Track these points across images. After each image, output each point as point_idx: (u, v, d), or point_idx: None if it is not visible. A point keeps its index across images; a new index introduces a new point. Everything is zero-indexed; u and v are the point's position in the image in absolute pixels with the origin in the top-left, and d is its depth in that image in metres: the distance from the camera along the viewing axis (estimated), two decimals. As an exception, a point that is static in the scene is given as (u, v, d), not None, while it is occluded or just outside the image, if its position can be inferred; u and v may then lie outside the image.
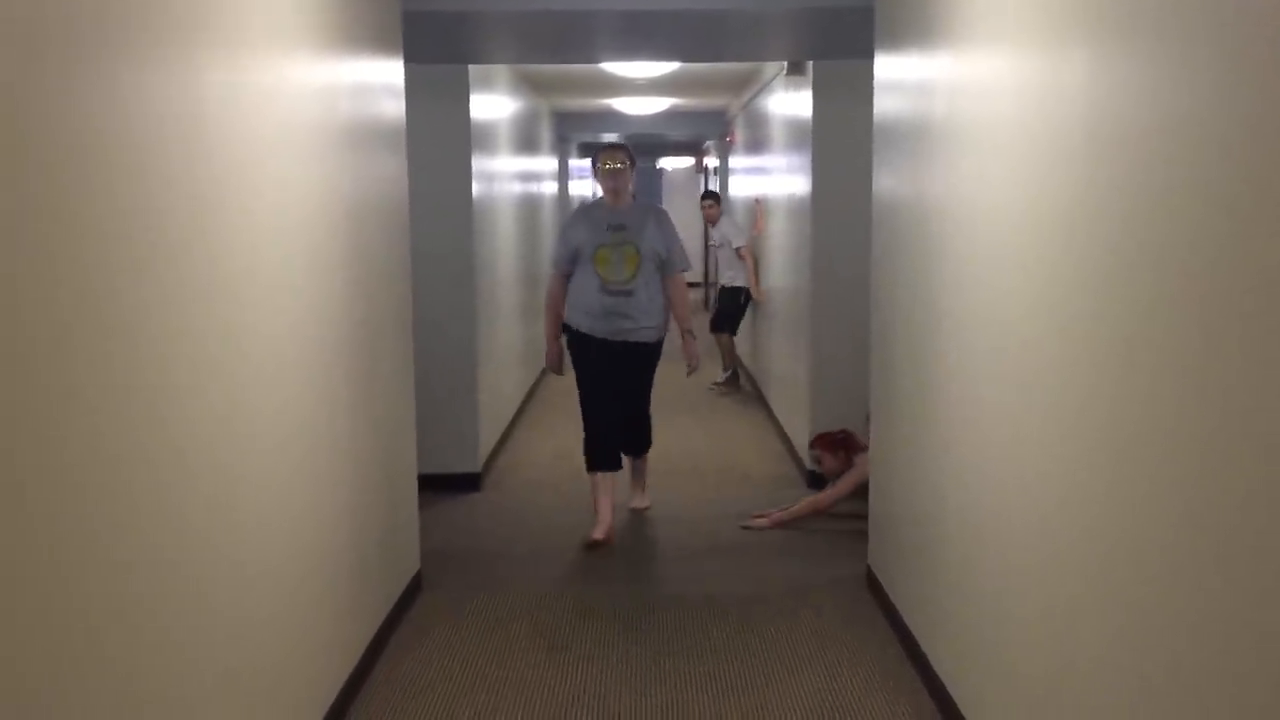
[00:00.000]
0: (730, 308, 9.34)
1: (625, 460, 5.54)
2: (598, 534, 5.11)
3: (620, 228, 5.18)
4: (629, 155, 5.33)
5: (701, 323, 9.36)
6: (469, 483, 6.13)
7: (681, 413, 8.25)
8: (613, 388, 5.28)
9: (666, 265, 5.26)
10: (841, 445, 5.43)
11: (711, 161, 16.45)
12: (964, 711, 3.15)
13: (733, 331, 9.49)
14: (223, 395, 2.39)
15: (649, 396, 5.53)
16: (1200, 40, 1.80)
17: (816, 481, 5.78)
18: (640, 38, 5.41)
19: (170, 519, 2.13)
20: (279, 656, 2.77)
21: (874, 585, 4.38)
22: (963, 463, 3.18)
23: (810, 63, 6.26)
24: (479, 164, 6.35)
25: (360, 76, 3.69)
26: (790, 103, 7.16)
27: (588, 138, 13.35)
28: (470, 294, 6.12)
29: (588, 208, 5.50)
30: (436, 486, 5.73)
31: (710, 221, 9.99)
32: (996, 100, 2.87)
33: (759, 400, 8.88)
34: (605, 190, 5.33)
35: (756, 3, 4.49)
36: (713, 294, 10.50)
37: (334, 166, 3.30)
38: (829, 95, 6.12)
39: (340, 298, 3.35)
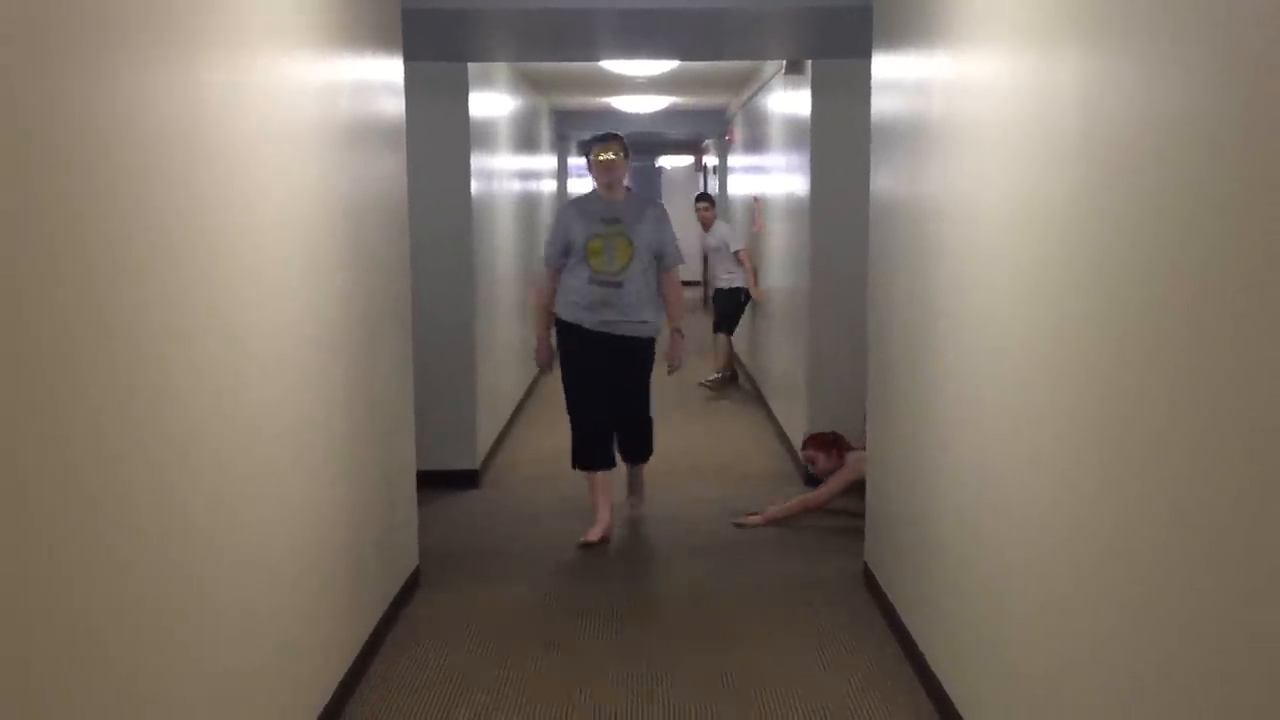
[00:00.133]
0: (729, 309, 9.34)
1: (620, 465, 5.43)
2: (592, 535, 5.09)
3: (614, 220, 5.08)
4: (624, 146, 5.19)
5: (704, 325, 9.39)
6: (467, 480, 6.15)
7: (680, 411, 8.26)
8: (601, 382, 5.16)
9: (661, 260, 5.16)
10: (833, 445, 5.48)
11: (710, 160, 16.46)
12: (961, 710, 3.17)
13: (729, 332, 9.48)
14: (223, 393, 2.40)
15: (647, 398, 5.38)
16: (1192, 41, 1.81)
17: (814, 480, 5.80)
18: (640, 36, 5.41)
19: (171, 517, 2.14)
20: (277, 653, 2.78)
21: (871, 583, 4.39)
22: (959, 462, 3.20)
23: (809, 62, 6.27)
24: (478, 162, 6.36)
25: (360, 75, 3.69)
26: (789, 102, 7.17)
27: (587, 136, 13.34)
28: (469, 291, 6.13)
29: (581, 200, 5.34)
30: (435, 483, 5.74)
31: (705, 225, 9.78)
32: (992, 100, 2.88)
33: (757, 399, 8.89)
34: (599, 182, 5.19)
35: (755, 2, 4.50)
36: (708, 294, 10.46)
37: (334, 165, 3.31)
38: (827, 94, 6.13)
39: (340, 295, 3.36)
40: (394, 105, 4.25)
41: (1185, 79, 1.84)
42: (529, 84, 9.25)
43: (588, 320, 5.08)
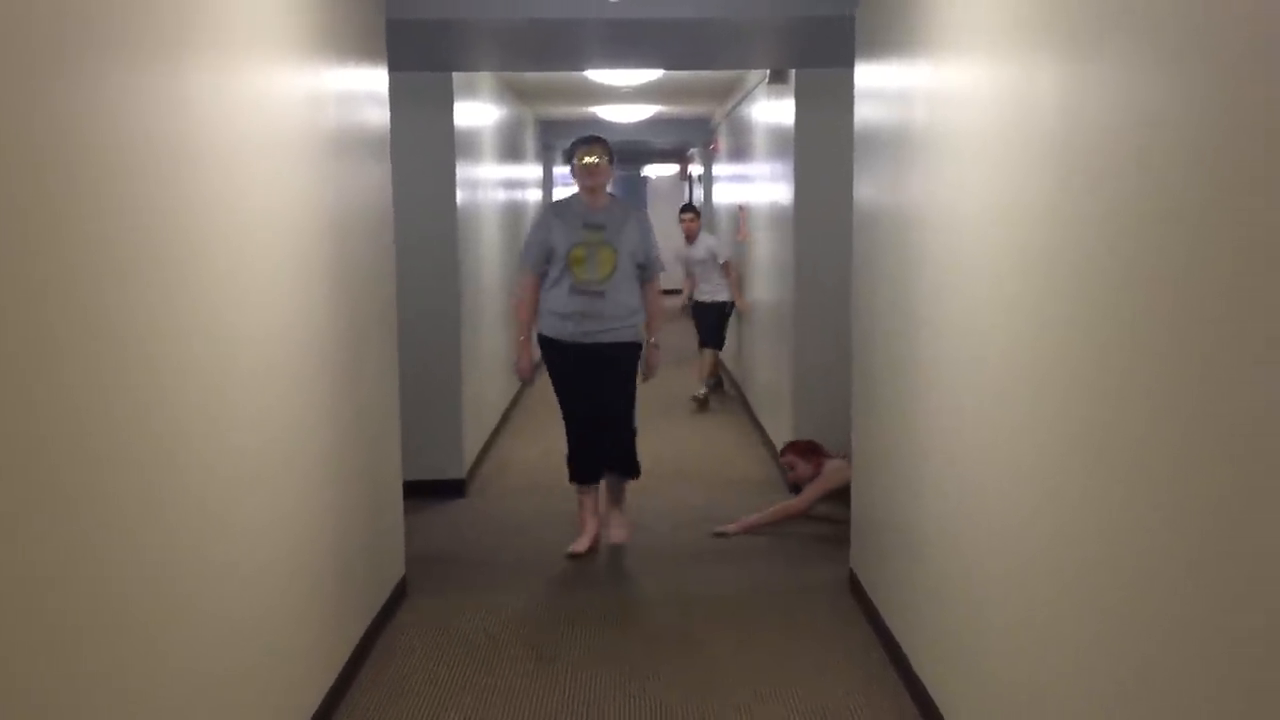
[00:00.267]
0: (716, 322, 9.10)
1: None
2: (579, 546, 5.07)
3: (598, 227, 4.89)
4: (608, 150, 4.99)
5: (686, 331, 9.31)
6: (454, 489, 6.15)
7: (666, 419, 8.27)
8: (589, 396, 4.99)
9: (645, 270, 4.99)
10: (811, 452, 5.52)
11: (696, 169, 16.51)
12: (945, 715, 3.18)
13: (719, 346, 9.27)
14: (209, 396, 2.41)
15: (631, 406, 5.11)
16: (1168, 49, 1.84)
17: (798, 488, 5.82)
18: (625, 46, 5.44)
19: (158, 522, 2.14)
20: (264, 660, 2.79)
21: (856, 589, 4.41)
22: (940, 470, 3.22)
23: (792, 71, 6.31)
24: (463, 171, 6.37)
25: (345, 84, 3.71)
26: (773, 111, 7.21)
27: (570, 145, 13.36)
28: (454, 301, 6.14)
29: (562, 205, 5.12)
30: (422, 493, 5.74)
31: (689, 235, 9.30)
32: (972, 109, 2.91)
33: (743, 407, 8.91)
34: (582, 187, 4.98)
35: (740, 12, 4.53)
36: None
37: (319, 173, 3.32)
38: (811, 103, 6.17)
39: (326, 303, 3.37)
40: (379, 115, 4.26)
41: (1161, 87, 1.87)
42: (514, 93, 9.27)
43: (569, 333, 4.91)
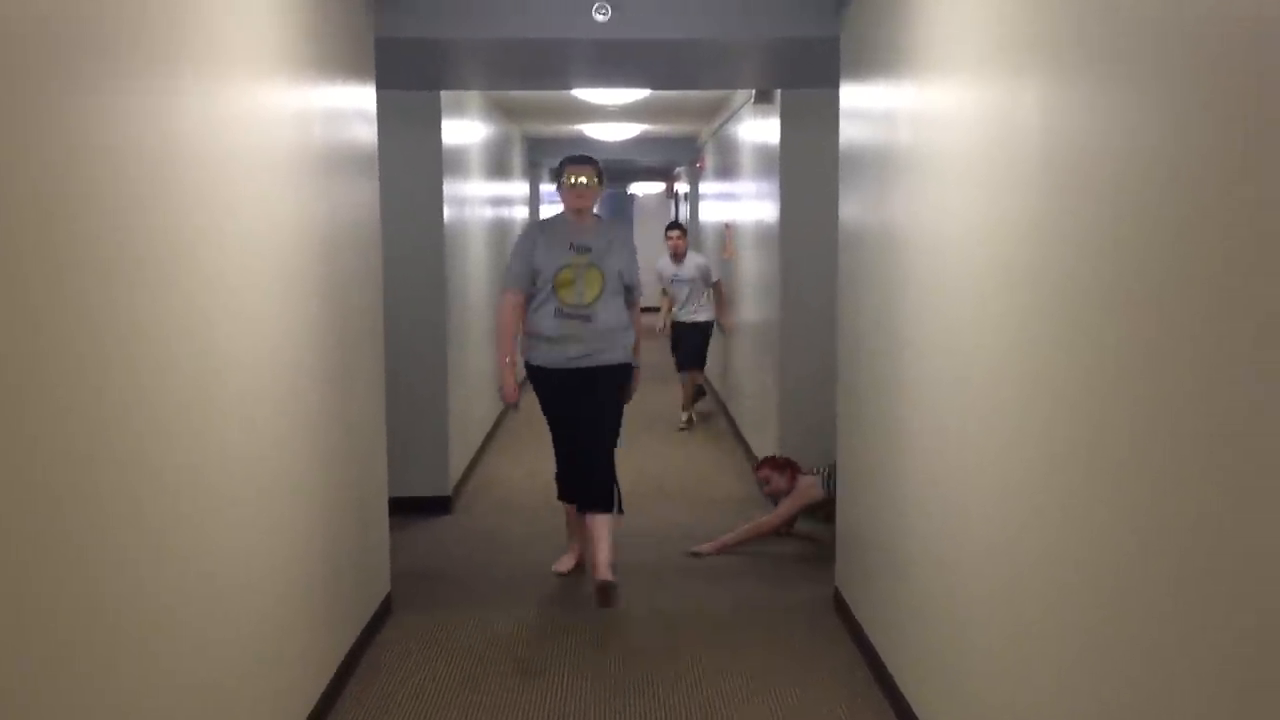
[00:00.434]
0: (700, 343, 8.89)
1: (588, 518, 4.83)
2: (563, 565, 5.06)
3: (585, 248, 4.73)
4: (598, 171, 4.85)
5: (665, 348, 9.14)
6: (440, 506, 6.14)
7: (651, 436, 8.29)
8: (577, 424, 4.83)
9: (630, 293, 4.86)
10: (786, 467, 5.55)
11: (682, 187, 16.57)
12: (928, 731, 3.20)
13: (703, 366, 9.13)
14: (196, 409, 2.41)
15: (613, 438, 4.85)
16: (1148, 73, 1.87)
17: (777, 499, 5.80)
18: (612, 66, 5.47)
19: (146, 536, 2.15)
20: (249, 675, 2.78)
21: (841, 607, 4.42)
22: (925, 490, 3.24)
23: (778, 91, 6.36)
24: (450, 189, 6.39)
25: (334, 101, 3.73)
26: (759, 130, 7.25)
27: (558, 162, 13.41)
28: (442, 318, 6.15)
29: (546, 224, 4.95)
30: (407, 510, 5.74)
31: (676, 254, 8.86)
32: (956, 130, 2.94)
33: (728, 423, 8.93)
34: (569, 206, 4.82)
35: (726, 33, 4.56)
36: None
37: (308, 189, 3.34)
38: (796, 123, 6.21)
39: (314, 318, 3.38)
40: (367, 132, 4.28)
41: (1141, 109, 1.90)
42: (501, 111, 9.31)
43: (555, 359, 4.75)
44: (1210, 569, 1.68)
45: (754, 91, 6.88)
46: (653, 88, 7.16)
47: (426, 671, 3.94)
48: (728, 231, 9.38)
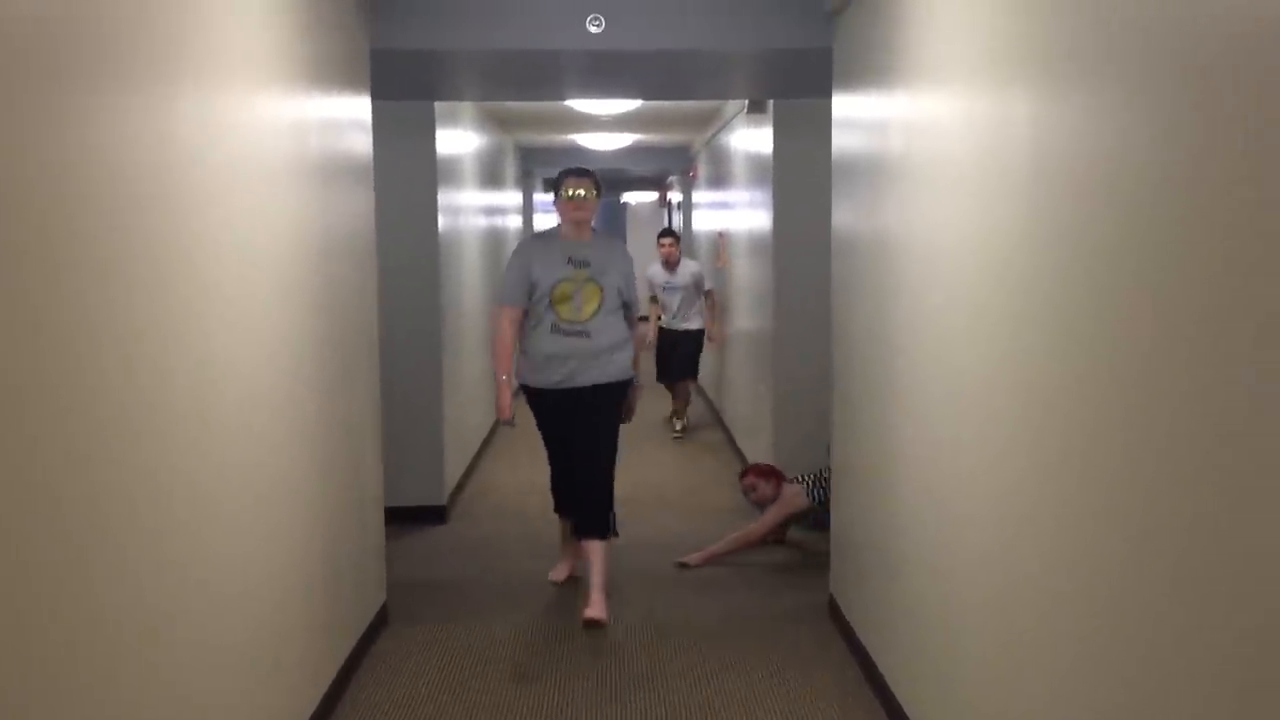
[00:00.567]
0: (693, 350, 8.86)
1: (582, 546, 4.76)
2: (556, 575, 5.07)
3: (583, 263, 4.64)
4: (596, 184, 4.77)
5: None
6: (435, 515, 6.15)
7: (648, 444, 8.30)
8: (572, 446, 4.74)
9: (628, 310, 4.77)
10: (772, 474, 5.58)
11: (675, 196, 16.60)
12: (923, 736, 3.22)
13: (696, 375, 9.12)
14: (194, 420, 2.42)
15: (610, 460, 4.72)
16: (1135, 83, 1.90)
17: (763, 506, 5.80)
18: (606, 76, 5.50)
19: (144, 542, 2.16)
20: (247, 684, 2.79)
21: (835, 614, 4.44)
22: (919, 497, 3.26)
23: (771, 101, 6.39)
24: (445, 199, 6.41)
25: (329, 112, 3.75)
26: (751, 139, 7.29)
27: (552, 172, 13.47)
28: (436, 327, 6.17)
29: (541, 238, 4.88)
30: (402, 519, 5.74)
31: (669, 261, 8.75)
32: (948, 139, 2.96)
33: (722, 431, 8.95)
34: (566, 219, 4.72)
35: (719, 44, 4.59)
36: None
37: (304, 199, 3.35)
38: (789, 132, 6.25)
39: (310, 327, 3.40)
40: (363, 142, 4.31)
41: (1131, 113, 1.92)
42: (494, 121, 9.34)
43: (552, 379, 4.65)
44: (1204, 575, 1.70)
45: (747, 101, 6.91)
46: (646, 98, 7.19)
47: (423, 679, 3.95)
48: (721, 240, 9.40)
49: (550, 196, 15.49)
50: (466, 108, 7.60)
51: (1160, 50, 1.82)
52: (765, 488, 5.56)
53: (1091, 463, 2.08)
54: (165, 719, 2.26)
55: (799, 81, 5.32)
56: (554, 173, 5.01)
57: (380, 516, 4.52)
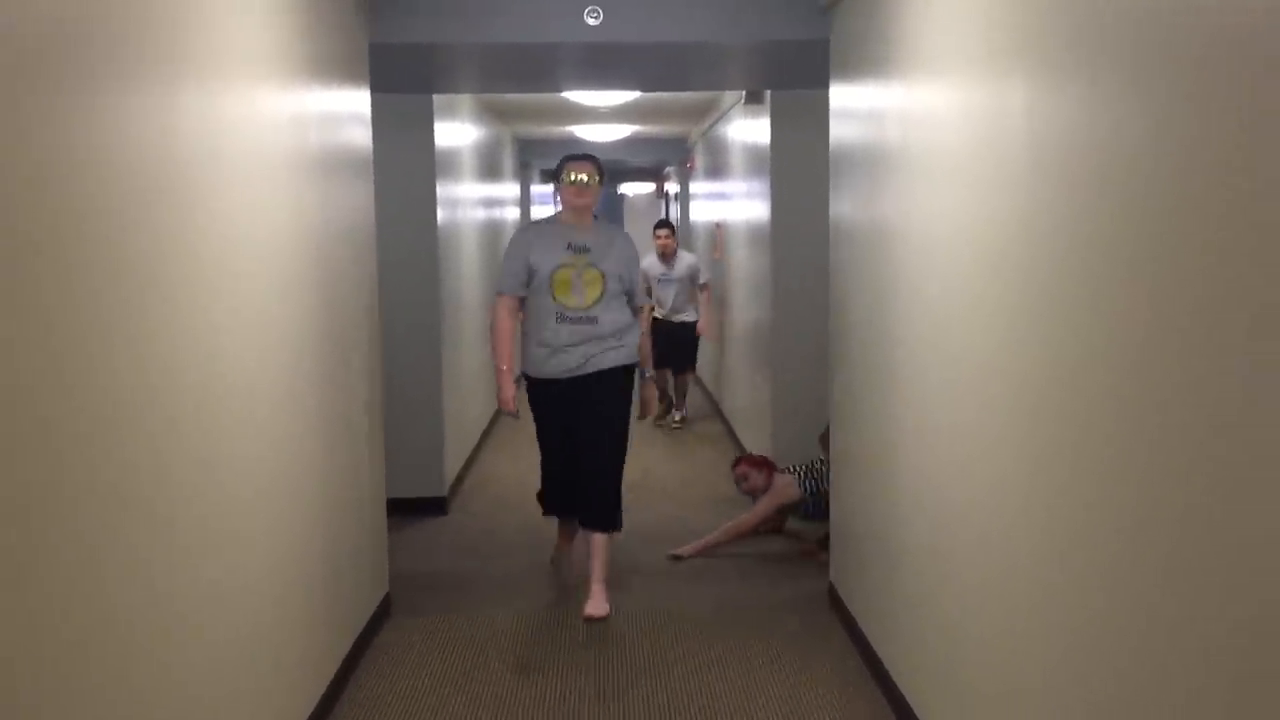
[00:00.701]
0: (689, 344, 8.81)
1: (581, 538, 4.77)
2: (558, 549, 5.03)
3: (583, 249, 4.51)
4: (599, 169, 4.61)
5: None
6: (436, 507, 6.18)
7: (647, 435, 8.32)
8: (576, 442, 4.60)
9: (631, 299, 4.63)
10: (764, 464, 5.60)
11: (672, 187, 16.60)
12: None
13: (693, 367, 9.08)
14: (201, 412, 2.44)
15: (619, 451, 4.60)
16: (1130, 74, 1.92)
17: (755, 496, 5.81)
18: (603, 68, 5.51)
19: (158, 538, 2.18)
20: (251, 676, 2.81)
21: (836, 602, 4.47)
22: (918, 486, 3.28)
23: (768, 92, 6.40)
24: (443, 191, 6.43)
25: (329, 106, 3.76)
26: (749, 130, 7.30)
27: (549, 164, 13.47)
28: (436, 318, 6.19)
29: (541, 225, 4.76)
30: (403, 511, 5.76)
31: (665, 253, 8.67)
32: (945, 130, 2.98)
33: (723, 423, 8.97)
34: (567, 205, 4.60)
35: (716, 36, 4.61)
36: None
37: (305, 192, 3.37)
38: (787, 123, 6.26)
39: (312, 320, 3.41)
40: (362, 135, 4.32)
41: (1124, 109, 1.94)
42: (492, 114, 9.34)
43: (562, 368, 4.50)
44: (1197, 565, 1.72)
45: (744, 92, 6.92)
46: (643, 89, 7.20)
47: (426, 670, 3.97)
48: (718, 231, 9.41)
49: (548, 188, 15.53)
50: (464, 100, 7.61)
51: (1154, 42, 1.83)
52: (757, 477, 5.59)
53: (1084, 453, 2.11)
54: (174, 715, 2.29)
55: (796, 73, 5.33)
56: (552, 164, 4.92)
57: (382, 509, 4.55)
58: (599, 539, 4.60)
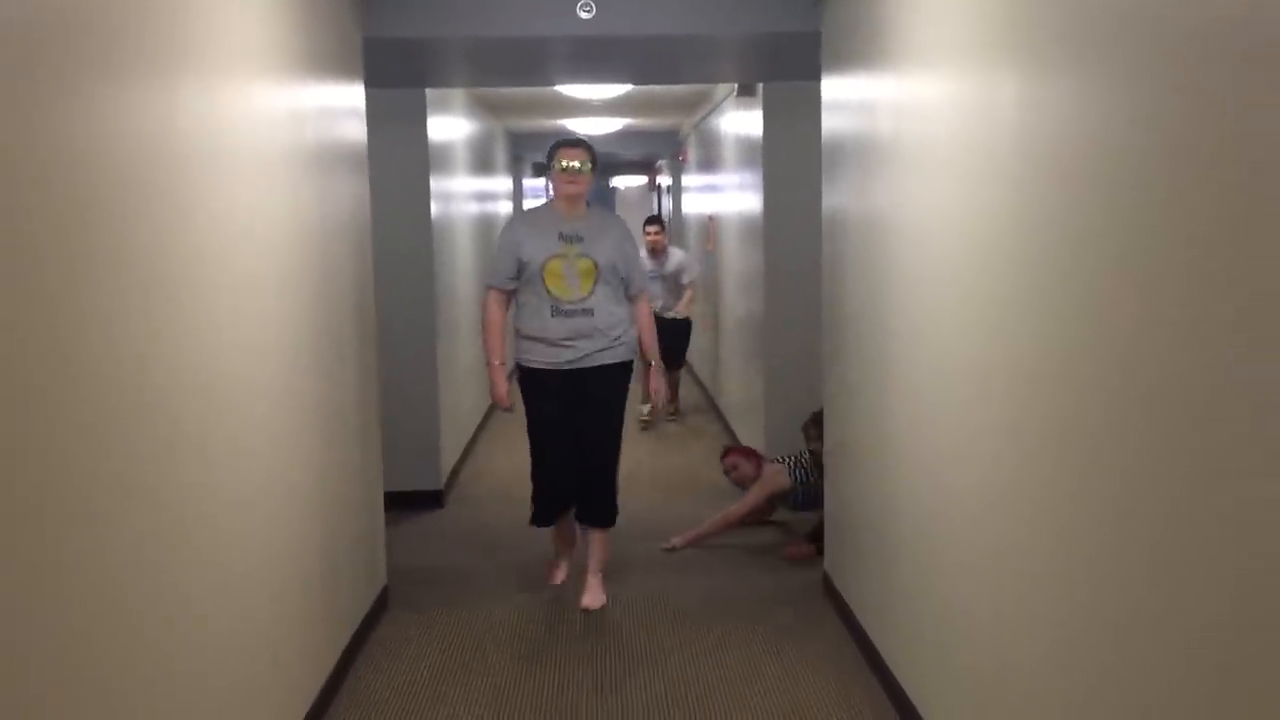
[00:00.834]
0: (681, 341, 8.74)
1: (578, 533, 4.74)
2: (555, 580, 4.80)
3: (576, 238, 4.35)
4: (592, 155, 4.43)
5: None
6: (432, 500, 6.20)
7: (638, 428, 8.35)
8: (570, 436, 4.49)
9: (628, 287, 4.49)
10: (753, 454, 5.64)
11: (664, 180, 16.60)
12: (919, 710, 3.27)
13: (681, 363, 8.97)
14: (200, 408, 2.46)
15: (617, 445, 4.56)
16: (1121, 67, 1.94)
17: (745, 486, 5.83)
18: (596, 62, 5.52)
19: (162, 535, 2.20)
20: (250, 670, 2.83)
21: (831, 591, 4.50)
22: (912, 476, 3.31)
23: (760, 84, 6.42)
24: (437, 185, 6.44)
25: (324, 101, 3.77)
26: (741, 123, 7.31)
27: (541, 158, 13.44)
28: (431, 311, 6.20)
29: (532, 213, 4.62)
30: (400, 504, 5.78)
31: (655, 250, 8.49)
32: (937, 122, 3.00)
33: (717, 416, 9.00)
34: (559, 193, 4.41)
35: (709, 28, 4.62)
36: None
37: (301, 187, 3.38)
38: (779, 116, 6.27)
39: (308, 315, 3.43)
40: (357, 130, 4.33)
41: (1113, 102, 1.96)
42: (485, 108, 9.34)
43: (559, 360, 4.39)
44: (1180, 557, 1.74)
45: (736, 85, 6.93)
46: (635, 83, 7.21)
47: (424, 663, 4.00)
48: (711, 224, 9.43)
49: (541, 182, 15.51)
50: (456, 94, 7.62)
51: (1143, 34, 1.85)
52: (746, 467, 5.63)
53: (1070, 444, 2.13)
54: (177, 705, 2.31)
55: (788, 65, 5.35)
56: (543, 158, 4.79)
57: (379, 502, 4.56)
58: (597, 533, 4.63)
